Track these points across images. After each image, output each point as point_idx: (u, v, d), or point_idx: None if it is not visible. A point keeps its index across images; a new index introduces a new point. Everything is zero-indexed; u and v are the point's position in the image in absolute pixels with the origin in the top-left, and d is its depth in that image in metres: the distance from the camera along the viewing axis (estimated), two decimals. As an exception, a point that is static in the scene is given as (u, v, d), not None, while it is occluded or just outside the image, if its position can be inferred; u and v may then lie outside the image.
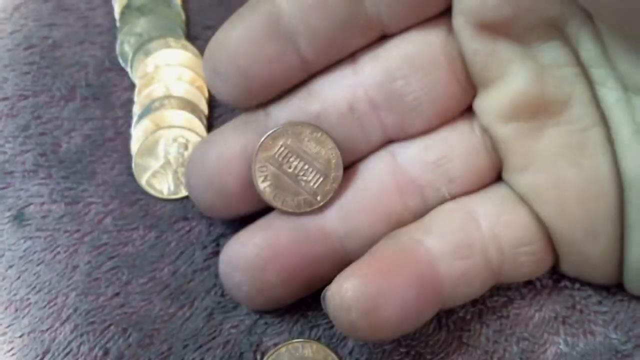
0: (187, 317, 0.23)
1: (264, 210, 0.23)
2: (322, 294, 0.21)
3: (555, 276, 0.24)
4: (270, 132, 0.22)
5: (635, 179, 0.20)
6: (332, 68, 0.22)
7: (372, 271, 0.20)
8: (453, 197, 0.23)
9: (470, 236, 0.22)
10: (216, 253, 0.25)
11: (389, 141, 0.23)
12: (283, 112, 0.22)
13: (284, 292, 0.23)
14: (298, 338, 0.23)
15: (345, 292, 0.20)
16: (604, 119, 0.21)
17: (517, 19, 0.20)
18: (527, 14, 0.20)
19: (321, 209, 0.22)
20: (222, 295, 0.24)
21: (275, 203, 0.22)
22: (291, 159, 0.22)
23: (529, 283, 0.24)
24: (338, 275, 0.20)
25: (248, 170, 0.22)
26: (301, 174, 0.22)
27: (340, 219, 0.22)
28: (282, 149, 0.22)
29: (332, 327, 0.23)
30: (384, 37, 0.22)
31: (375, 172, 0.23)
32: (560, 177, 0.21)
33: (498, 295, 0.24)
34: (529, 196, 0.22)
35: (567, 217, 0.21)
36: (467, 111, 0.23)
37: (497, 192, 0.23)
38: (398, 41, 0.22)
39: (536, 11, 0.20)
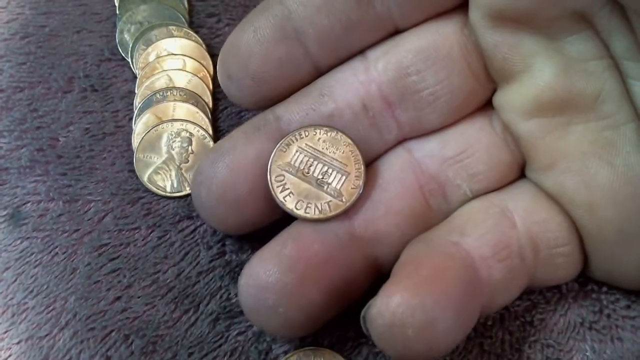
0: (191, 322, 0.22)
1: (275, 228, 0.21)
2: (362, 314, 0.19)
3: (581, 279, 0.23)
4: (283, 139, 0.21)
5: None
6: (343, 67, 0.22)
7: (420, 281, 0.18)
8: (475, 195, 0.22)
9: (506, 236, 0.20)
10: (222, 254, 0.24)
11: (404, 139, 0.22)
12: (295, 114, 0.21)
13: (324, 308, 0.20)
14: (309, 346, 0.22)
15: (396, 308, 0.18)
16: (637, 115, 0.19)
17: (540, 11, 0.19)
18: (549, 5, 0.19)
19: (347, 212, 0.21)
20: (228, 299, 0.23)
21: (299, 212, 0.21)
22: (309, 163, 0.21)
23: (553, 286, 0.22)
24: (381, 291, 0.19)
25: (263, 179, 0.21)
26: (321, 177, 0.21)
27: (368, 222, 0.21)
28: (298, 154, 0.21)
29: (345, 333, 0.22)
30: (396, 33, 0.22)
31: (395, 170, 0.22)
32: (590, 177, 0.20)
33: (521, 300, 0.22)
34: (557, 196, 0.21)
35: (599, 219, 0.20)
36: (485, 107, 0.22)
37: (525, 189, 0.22)
38: (410, 35, 0.21)
39: (559, 2, 0.18)
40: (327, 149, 0.21)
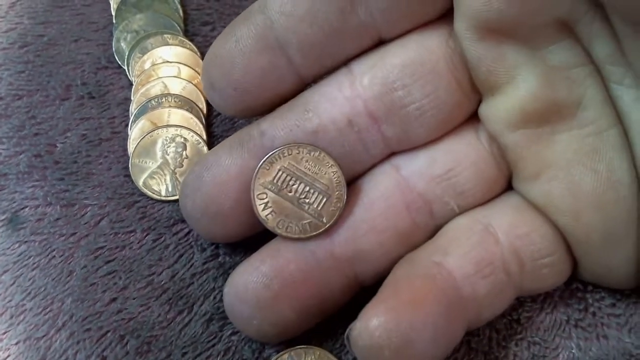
0: (185, 322, 0.23)
1: (267, 231, 0.22)
2: (346, 334, 0.19)
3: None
4: (266, 157, 0.21)
5: None
6: (328, 80, 0.22)
7: (398, 304, 0.19)
8: (462, 211, 0.22)
9: (490, 253, 0.21)
10: (216, 256, 0.24)
11: (391, 153, 0.22)
12: (279, 130, 0.21)
13: (297, 323, 0.21)
14: (301, 344, 0.22)
15: (374, 331, 0.19)
16: (620, 120, 0.20)
17: (524, 20, 0.19)
18: (534, 13, 0.19)
19: (328, 231, 0.21)
20: (222, 300, 0.23)
21: (279, 230, 0.21)
22: (291, 182, 0.21)
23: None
24: (362, 312, 0.19)
25: (246, 192, 0.21)
26: (303, 196, 0.21)
27: (349, 241, 0.21)
28: (280, 173, 0.21)
29: (336, 331, 0.22)
30: (381, 42, 0.22)
31: (381, 188, 0.22)
32: (575, 184, 0.20)
33: (507, 298, 0.23)
34: (543, 205, 0.21)
35: (585, 225, 0.20)
36: (472, 118, 0.22)
37: (510, 203, 0.22)
38: (395, 48, 0.21)
39: (544, 10, 0.19)
40: (309, 169, 0.21)
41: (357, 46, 0.21)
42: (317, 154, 0.21)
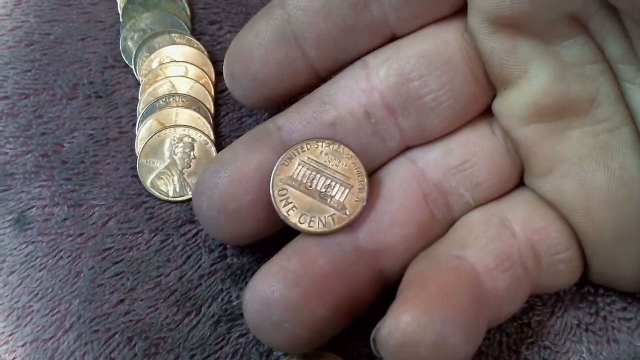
0: (193, 325, 0.23)
1: (278, 235, 0.21)
2: (372, 336, 0.19)
3: (577, 281, 0.23)
4: (285, 153, 0.21)
5: None
6: (344, 74, 0.22)
7: (428, 298, 0.18)
8: (477, 205, 0.22)
9: (507, 246, 0.20)
10: (224, 257, 0.24)
11: (406, 147, 0.22)
12: (296, 123, 0.21)
13: (330, 323, 0.20)
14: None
15: (406, 327, 0.18)
16: (631, 118, 0.20)
17: (537, 15, 0.19)
18: (547, 8, 0.19)
19: (352, 225, 0.21)
20: (230, 301, 0.23)
21: (302, 226, 0.21)
22: (311, 176, 0.21)
23: (551, 290, 0.23)
24: (389, 312, 0.18)
25: (264, 189, 0.21)
26: (324, 190, 0.21)
27: (373, 234, 0.21)
28: (300, 167, 0.21)
29: (345, 335, 0.22)
30: (394, 39, 0.22)
31: (399, 180, 0.22)
32: (587, 180, 0.20)
33: (518, 301, 0.23)
34: (555, 201, 0.21)
35: (597, 222, 0.20)
36: (487, 112, 0.22)
37: (523, 198, 0.22)
38: (410, 41, 0.21)
39: (557, 6, 0.19)
40: (329, 161, 0.21)
41: (370, 42, 0.22)
42: (335, 146, 0.21)
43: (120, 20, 0.29)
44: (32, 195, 0.25)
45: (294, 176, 0.21)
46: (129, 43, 0.29)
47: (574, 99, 0.20)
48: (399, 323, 0.18)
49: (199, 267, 0.24)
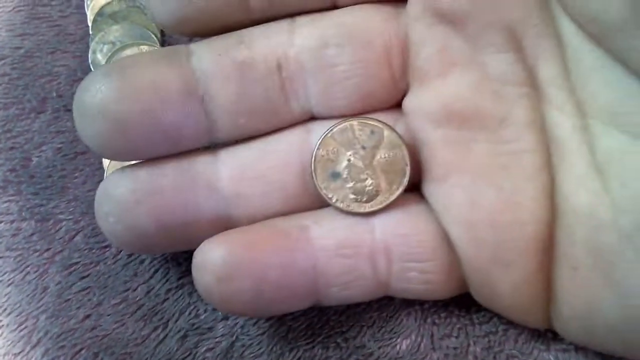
0: (160, 339, 0.22)
1: None
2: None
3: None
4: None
5: (584, 215, 0.19)
6: (271, 24, 0.22)
7: (239, 241, 0.20)
8: None
9: (359, 238, 0.21)
10: (190, 271, 0.24)
11: (309, 118, 0.22)
12: (207, 53, 0.21)
13: (154, 236, 0.21)
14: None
15: (206, 253, 0.20)
16: (546, 145, 0.19)
17: (475, 15, 0.19)
18: (485, 10, 0.19)
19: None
20: (197, 315, 0.23)
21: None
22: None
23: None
24: (213, 236, 0.20)
25: (156, 105, 0.20)
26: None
27: (234, 179, 0.21)
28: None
29: (312, 347, 0.22)
30: (333, 8, 0.22)
31: (284, 145, 0.22)
32: (476, 195, 0.20)
33: (485, 310, 0.23)
34: (441, 210, 0.21)
35: (477, 240, 0.20)
36: (393, 110, 0.22)
37: (406, 206, 0.21)
38: (342, 12, 0.21)
39: (496, 9, 0.19)
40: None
41: (309, 2, 0.22)
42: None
43: (90, 33, 0.29)
44: (0, 210, 0.25)
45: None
46: (98, 56, 0.29)
47: (483, 114, 0.20)
48: (205, 248, 0.20)
49: (166, 280, 0.24)
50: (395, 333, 0.22)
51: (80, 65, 0.29)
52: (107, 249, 0.24)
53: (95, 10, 0.29)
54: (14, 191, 0.26)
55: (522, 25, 0.19)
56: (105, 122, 0.20)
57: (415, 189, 0.22)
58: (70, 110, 0.28)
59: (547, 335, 0.22)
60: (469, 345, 0.22)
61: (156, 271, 0.24)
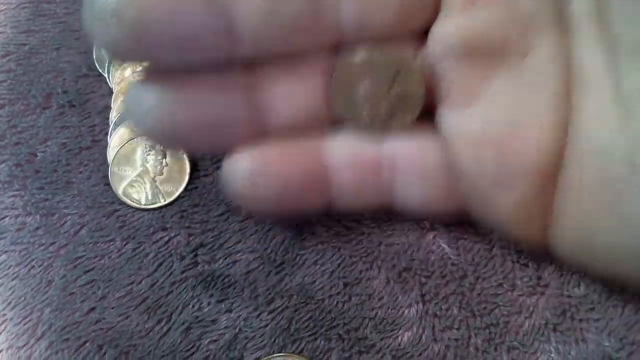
0: (164, 332, 0.23)
1: None
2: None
3: (543, 282, 0.23)
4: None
5: (599, 147, 0.19)
6: None
7: (265, 153, 0.22)
8: None
9: (368, 153, 0.22)
10: (195, 264, 0.24)
11: (338, 42, 0.21)
12: None
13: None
14: (280, 352, 0.22)
15: (235, 163, 0.22)
16: (566, 81, 0.20)
17: None
18: None
19: None
20: (200, 308, 0.23)
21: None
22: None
23: (517, 289, 0.23)
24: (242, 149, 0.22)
25: (175, 15, 0.19)
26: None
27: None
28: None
29: (315, 339, 0.22)
30: None
31: (309, 68, 0.22)
32: (490, 124, 0.20)
33: (486, 302, 0.23)
34: (454, 136, 0.21)
35: (481, 160, 0.21)
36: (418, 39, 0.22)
37: (416, 130, 0.22)
38: None
39: None
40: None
41: None
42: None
43: (94, 29, 0.29)
44: (5, 205, 0.25)
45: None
46: (103, 51, 0.29)
47: (508, 46, 0.20)
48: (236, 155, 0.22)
49: (170, 274, 0.24)
50: (396, 325, 0.23)
51: (84, 61, 0.29)
52: (112, 243, 0.25)
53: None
54: (20, 186, 0.26)
55: None
56: (120, 27, 0.19)
57: (426, 115, 0.22)
58: (74, 106, 0.28)
59: (548, 327, 0.22)
60: (470, 337, 0.22)
61: (160, 265, 0.24)
